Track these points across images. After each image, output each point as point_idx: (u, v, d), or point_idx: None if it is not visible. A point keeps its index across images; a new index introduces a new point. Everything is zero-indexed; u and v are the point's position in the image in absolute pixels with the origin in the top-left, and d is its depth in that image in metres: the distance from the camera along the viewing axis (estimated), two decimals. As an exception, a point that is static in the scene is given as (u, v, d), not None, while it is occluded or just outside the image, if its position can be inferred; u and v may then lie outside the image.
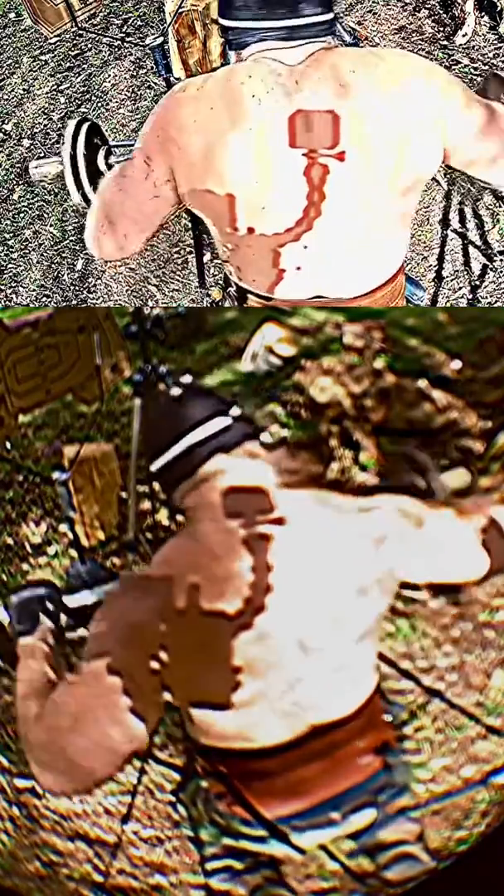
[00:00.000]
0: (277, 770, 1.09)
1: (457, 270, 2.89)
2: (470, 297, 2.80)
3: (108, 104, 3.86)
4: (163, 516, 2.34)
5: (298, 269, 1.27)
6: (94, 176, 1.46)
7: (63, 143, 1.32)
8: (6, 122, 3.99)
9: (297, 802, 1.11)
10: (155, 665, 0.99)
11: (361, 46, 3.51)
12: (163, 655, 0.99)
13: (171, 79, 2.19)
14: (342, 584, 1.10)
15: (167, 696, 1.01)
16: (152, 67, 3.77)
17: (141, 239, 1.36)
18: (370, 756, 1.14)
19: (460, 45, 3.54)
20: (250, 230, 1.24)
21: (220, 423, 1.20)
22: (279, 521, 1.10)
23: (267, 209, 1.21)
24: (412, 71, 1.25)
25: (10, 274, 3.38)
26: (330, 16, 1.24)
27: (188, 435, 1.18)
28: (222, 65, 2.03)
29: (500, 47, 3.52)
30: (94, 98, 3.91)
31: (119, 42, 4.00)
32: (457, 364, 2.76)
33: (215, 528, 1.11)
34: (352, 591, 1.10)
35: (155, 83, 3.82)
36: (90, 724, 0.97)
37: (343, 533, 1.13)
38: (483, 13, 3.59)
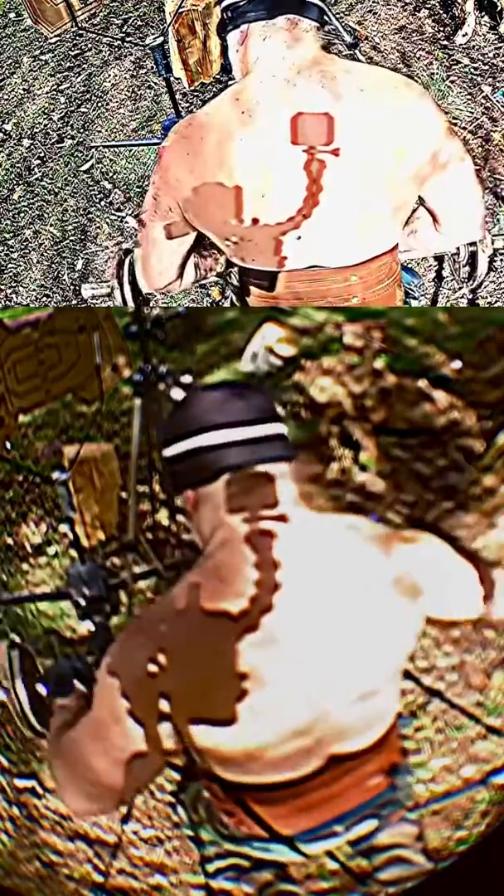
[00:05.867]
0: (286, 798, 1.04)
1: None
2: (470, 296, 2.80)
3: (108, 104, 3.85)
4: (163, 516, 2.34)
5: (299, 238, 1.36)
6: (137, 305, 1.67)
7: (112, 279, 1.56)
8: (6, 122, 3.99)
9: (303, 823, 1.08)
10: (152, 668, 0.93)
11: (361, 46, 3.52)
12: (161, 658, 0.93)
13: (171, 79, 2.20)
14: (359, 584, 0.99)
15: (165, 706, 0.93)
16: (152, 67, 3.77)
17: (172, 262, 1.51)
18: (379, 777, 1.09)
19: (460, 45, 3.53)
20: (255, 221, 1.34)
21: (272, 428, 1.07)
22: (282, 518, 1.00)
23: (271, 200, 1.33)
24: (403, 83, 1.35)
25: (10, 274, 3.37)
26: None
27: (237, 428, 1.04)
28: (222, 64, 2.06)
29: (500, 47, 3.52)
30: (94, 98, 3.91)
31: (119, 42, 4.00)
32: (457, 364, 2.76)
33: (216, 524, 1.04)
34: (372, 594, 1.00)
35: (155, 83, 3.82)
36: (94, 724, 0.99)
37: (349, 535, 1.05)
38: (483, 13, 3.59)
